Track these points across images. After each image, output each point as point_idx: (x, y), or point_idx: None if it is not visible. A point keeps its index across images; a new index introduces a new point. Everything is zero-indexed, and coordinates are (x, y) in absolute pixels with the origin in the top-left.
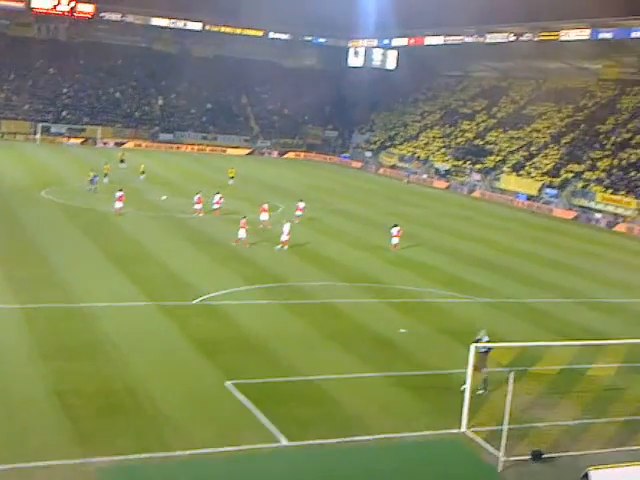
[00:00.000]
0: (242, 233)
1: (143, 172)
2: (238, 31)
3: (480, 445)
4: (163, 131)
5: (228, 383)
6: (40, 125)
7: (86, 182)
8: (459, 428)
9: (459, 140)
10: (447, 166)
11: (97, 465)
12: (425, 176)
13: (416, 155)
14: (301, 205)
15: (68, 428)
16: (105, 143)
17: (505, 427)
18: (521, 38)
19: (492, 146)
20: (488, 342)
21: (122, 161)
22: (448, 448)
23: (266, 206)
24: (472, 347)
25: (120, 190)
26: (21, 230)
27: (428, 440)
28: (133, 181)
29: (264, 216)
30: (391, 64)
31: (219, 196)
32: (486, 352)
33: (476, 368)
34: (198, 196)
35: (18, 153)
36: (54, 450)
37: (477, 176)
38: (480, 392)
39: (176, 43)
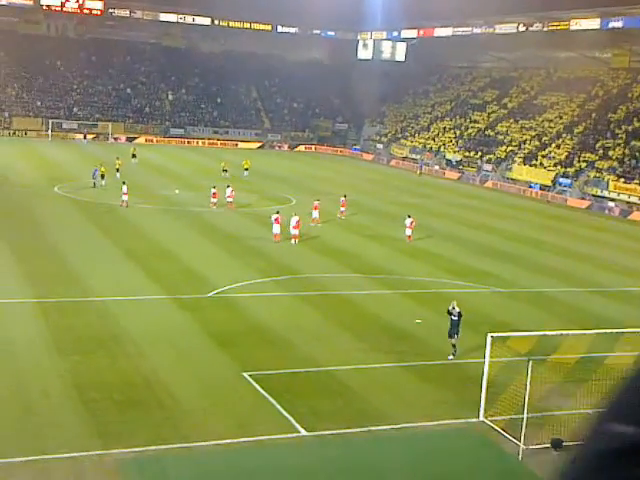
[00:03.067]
0: (276, 228)
1: (247, 168)
2: (246, 25)
3: (499, 434)
4: (174, 126)
5: (245, 375)
6: (51, 121)
7: (98, 177)
8: (477, 417)
9: (470, 131)
10: (458, 157)
11: (116, 457)
12: (437, 167)
13: (427, 146)
14: (343, 200)
15: (87, 421)
16: (116, 139)
17: (524, 416)
18: (531, 28)
19: (503, 136)
20: (459, 312)
21: (134, 156)
22: (467, 437)
23: (317, 203)
24: (489, 336)
25: (124, 183)
26: (35, 226)
27: (446, 429)
28: (144, 176)
29: (315, 213)
30: (400, 56)
31: (230, 189)
32: (458, 320)
33: (450, 335)
34: (214, 190)
35: (30, 150)
36: (73, 442)
37: (488, 167)
38: (450, 357)
39: (185, 38)
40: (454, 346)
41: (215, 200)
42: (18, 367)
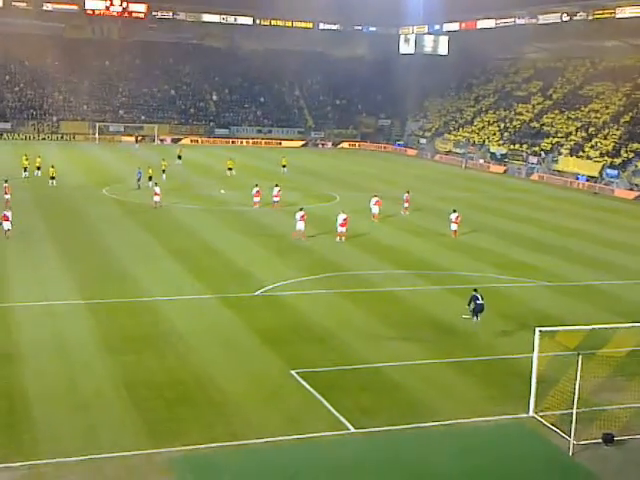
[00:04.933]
0: (300, 225)
1: (284, 165)
2: (288, 24)
3: (549, 429)
4: (218, 126)
5: (293, 372)
6: (98, 125)
7: (143, 179)
8: (526, 413)
9: (515, 123)
10: (503, 150)
11: (168, 455)
12: (481, 161)
13: (471, 140)
14: (407, 196)
15: (138, 419)
16: (162, 140)
17: (574, 411)
18: (575, 17)
19: (549, 128)
20: (482, 297)
21: (179, 157)
22: (516, 433)
23: (378, 199)
24: (537, 331)
25: (156, 185)
26: (85, 227)
27: (495, 425)
28: (190, 176)
29: (375, 209)
30: (443, 50)
31: (278, 189)
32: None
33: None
34: (257, 189)
35: (78, 153)
36: (125, 441)
37: (534, 159)
38: (470, 318)
39: (227, 38)
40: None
41: (258, 199)
42: (71, 367)
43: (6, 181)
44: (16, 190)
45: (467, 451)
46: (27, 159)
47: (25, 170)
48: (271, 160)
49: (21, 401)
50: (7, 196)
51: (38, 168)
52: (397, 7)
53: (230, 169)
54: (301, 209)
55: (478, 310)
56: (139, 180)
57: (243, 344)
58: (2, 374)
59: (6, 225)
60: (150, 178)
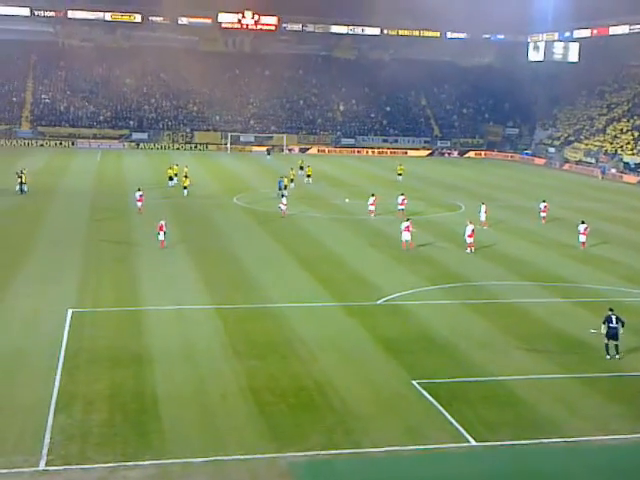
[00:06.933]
0: (405, 235)
1: (400, 174)
2: (415, 33)
3: None
4: (345, 136)
5: (414, 382)
6: (230, 135)
7: (282, 187)
8: None
9: None
10: (638, 159)
11: (289, 460)
12: (614, 170)
13: (603, 149)
14: (544, 206)
15: (262, 423)
16: (290, 150)
17: None
18: None
19: None
20: (617, 318)
21: (301, 168)
22: None
23: (484, 207)
24: None
25: (282, 196)
26: (216, 234)
27: (625, 444)
28: (316, 186)
29: (483, 216)
30: (573, 57)
31: (402, 197)
32: (618, 326)
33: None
34: (373, 199)
35: (211, 162)
36: (249, 444)
37: None
38: (598, 333)
39: (355, 49)
40: (615, 347)
41: (373, 208)
42: (198, 370)
43: (139, 189)
44: (154, 199)
45: (595, 469)
46: (172, 168)
47: (171, 179)
48: (396, 170)
49: (151, 401)
50: (139, 204)
51: (185, 177)
52: (526, 14)
53: (400, 175)
54: (408, 219)
55: (611, 335)
56: (280, 189)
57: (365, 352)
58: (133, 375)
59: (161, 236)
60: (285, 187)
